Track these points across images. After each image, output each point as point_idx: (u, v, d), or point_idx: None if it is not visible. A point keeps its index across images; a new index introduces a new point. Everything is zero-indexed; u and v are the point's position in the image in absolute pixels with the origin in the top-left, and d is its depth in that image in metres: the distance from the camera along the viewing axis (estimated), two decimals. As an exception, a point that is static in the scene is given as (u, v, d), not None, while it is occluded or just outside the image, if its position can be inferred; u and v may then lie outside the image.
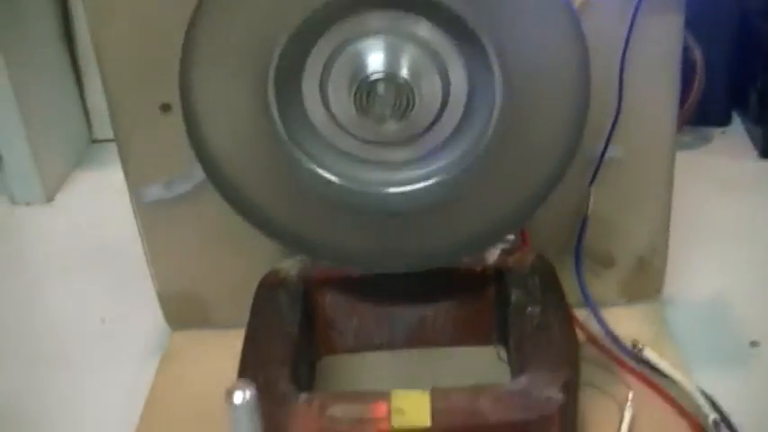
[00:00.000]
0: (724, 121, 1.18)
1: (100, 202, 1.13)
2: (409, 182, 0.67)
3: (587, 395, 0.71)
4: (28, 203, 1.15)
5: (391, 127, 0.64)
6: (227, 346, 0.71)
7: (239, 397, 0.49)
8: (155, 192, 0.78)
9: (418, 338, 0.77)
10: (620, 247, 0.81)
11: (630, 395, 0.70)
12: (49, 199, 1.16)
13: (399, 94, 0.63)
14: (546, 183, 0.67)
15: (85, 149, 1.26)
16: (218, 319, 0.83)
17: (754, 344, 0.83)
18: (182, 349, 0.84)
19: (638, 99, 0.73)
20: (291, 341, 0.70)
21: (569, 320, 0.70)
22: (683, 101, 1.06)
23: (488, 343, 0.76)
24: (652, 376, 0.74)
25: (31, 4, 1.14)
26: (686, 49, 1.03)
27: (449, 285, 0.76)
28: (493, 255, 0.76)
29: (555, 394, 0.63)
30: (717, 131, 1.17)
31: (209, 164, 0.68)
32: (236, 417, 0.49)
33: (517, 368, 0.68)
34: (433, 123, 0.66)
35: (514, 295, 0.72)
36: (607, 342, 0.77)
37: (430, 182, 0.67)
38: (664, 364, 0.74)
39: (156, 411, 0.77)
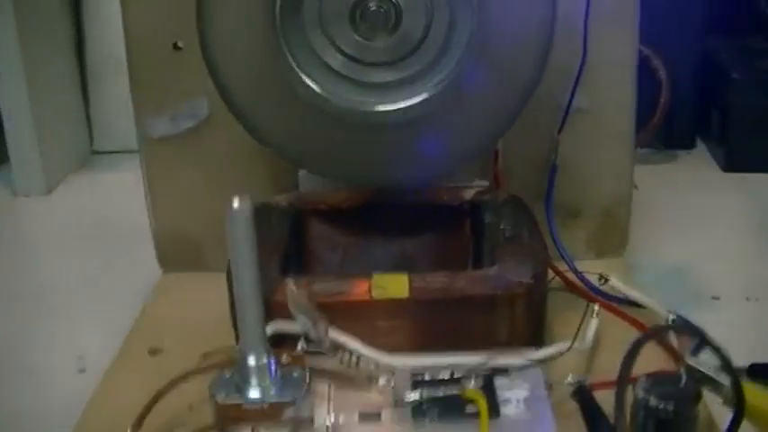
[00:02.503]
0: (689, 143, 1.26)
1: (97, 197, 1.21)
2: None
3: (554, 310, 0.75)
4: (27, 195, 1.21)
5: (380, 43, 0.72)
6: (219, 285, 0.74)
7: (237, 203, 0.54)
8: (161, 127, 0.84)
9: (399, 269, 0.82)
10: (587, 196, 0.87)
11: (597, 306, 0.74)
12: (49, 191, 1.22)
13: (388, 10, 0.71)
14: (517, 101, 0.74)
15: (86, 158, 1.33)
16: (212, 261, 0.87)
17: (714, 298, 0.89)
18: (172, 285, 0.88)
19: (601, 51, 0.82)
20: (281, 251, 0.75)
21: (539, 233, 0.75)
22: (649, 118, 1.16)
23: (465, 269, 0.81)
24: (618, 306, 0.79)
25: (48, 16, 1.24)
26: (653, 70, 1.14)
27: (428, 220, 0.82)
28: (469, 193, 0.83)
29: (525, 278, 0.68)
30: (682, 153, 1.25)
31: (223, 92, 0.74)
32: (235, 223, 0.54)
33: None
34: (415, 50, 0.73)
35: (488, 218, 0.78)
36: (574, 278, 0.82)
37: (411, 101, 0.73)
38: (629, 290, 0.79)
39: (144, 327, 0.81)
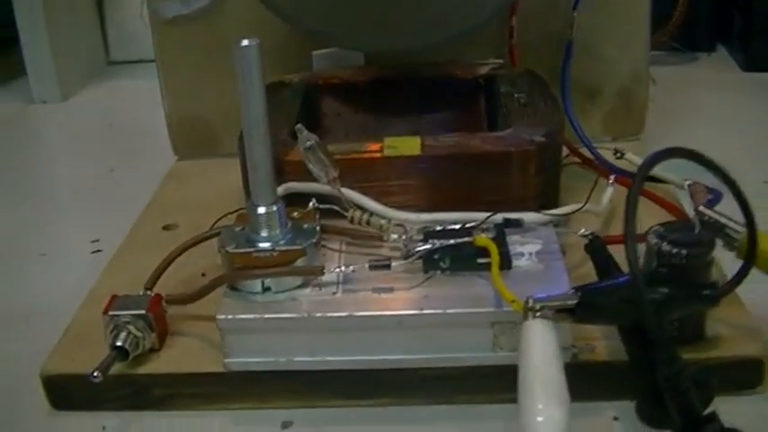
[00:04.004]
0: (709, 47, 1.24)
1: (113, 103, 1.20)
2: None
3: (568, 186, 0.74)
4: (44, 102, 1.21)
5: None
6: (234, 169, 0.73)
7: (246, 42, 0.54)
8: (173, 7, 0.83)
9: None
10: (604, 73, 0.85)
11: (612, 176, 0.73)
12: (65, 99, 1.21)
13: None
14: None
15: (102, 68, 1.33)
16: (226, 146, 0.86)
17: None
18: (186, 170, 0.88)
19: None
20: (292, 122, 0.74)
21: (554, 101, 0.74)
22: (669, 17, 1.13)
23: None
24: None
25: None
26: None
27: (442, 95, 0.81)
28: (483, 69, 0.81)
29: (537, 138, 0.67)
30: (703, 55, 1.23)
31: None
32: (242, 60, 0.54)
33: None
34: None
35: (503, 88, 0.77)
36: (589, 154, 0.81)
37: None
38: (644, 163, 0.77)
39: (158, 206, 0.81)
